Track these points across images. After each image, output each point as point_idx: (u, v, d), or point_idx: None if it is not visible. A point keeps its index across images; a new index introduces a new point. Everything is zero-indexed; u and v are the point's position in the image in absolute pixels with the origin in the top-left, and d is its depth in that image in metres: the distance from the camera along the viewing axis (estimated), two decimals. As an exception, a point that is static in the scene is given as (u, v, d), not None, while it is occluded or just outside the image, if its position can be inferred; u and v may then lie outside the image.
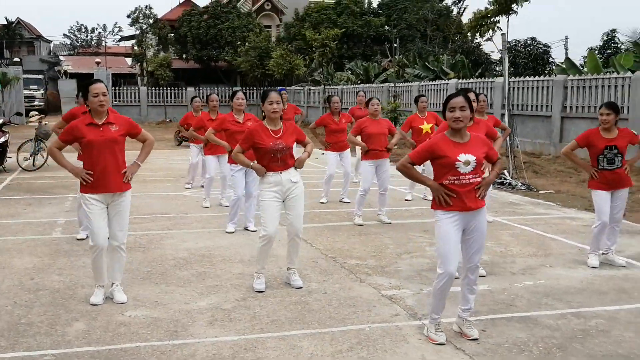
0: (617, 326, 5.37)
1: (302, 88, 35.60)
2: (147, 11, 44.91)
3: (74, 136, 5.64)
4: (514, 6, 18.75)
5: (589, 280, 6.72)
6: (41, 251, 7.59)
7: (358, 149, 12.32)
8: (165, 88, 38.78)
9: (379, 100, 9.72)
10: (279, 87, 14.27)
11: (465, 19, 58.38)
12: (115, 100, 35.90)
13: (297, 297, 6.00)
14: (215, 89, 38.48)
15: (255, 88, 38.72)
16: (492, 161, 5.17)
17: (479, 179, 4.92)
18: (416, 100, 11.39)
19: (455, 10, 48.04)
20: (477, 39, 37.54)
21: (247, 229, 8.77)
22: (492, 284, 6.41)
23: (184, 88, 39.43)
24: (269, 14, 52.15)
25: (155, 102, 38.37)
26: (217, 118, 9.67)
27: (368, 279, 6.63)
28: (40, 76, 46.93)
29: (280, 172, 6.16)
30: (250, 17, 45.59)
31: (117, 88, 37.61)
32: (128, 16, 45.29)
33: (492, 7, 19.42)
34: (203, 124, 10.47)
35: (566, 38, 34.94)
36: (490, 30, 19.96)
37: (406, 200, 11.35)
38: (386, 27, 46.95)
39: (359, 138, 9.39)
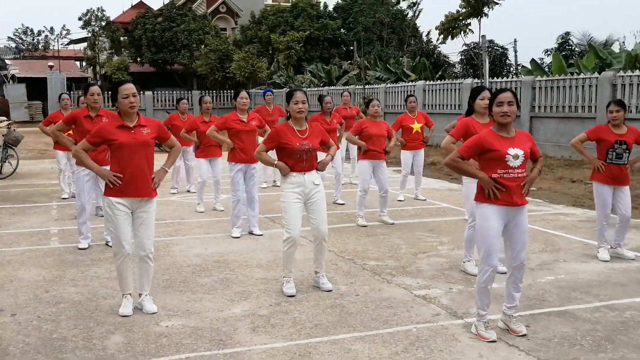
0: (653, 317, 5.42)
1: (261, 90, 35.32)
2: (99, 13, 44.06)
3: (104, 138, 5.41)
4: (485, 9, 18.95)
5: (605, 273, 6.79)
6: (46, 262, 7.27)
7: (354, 152, 12.28)
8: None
9: (378, 101, 9.67)
10: (265, 89, 14.07)
11: (420, 22, 59.25)
12: (71, 106, 34.86)
13: (330, 300, 5.88)
14: (173, 92, 37.85)
15: (215, 91, 38.27)
16: (535, 158, 5.16)
17: (525, 174, 4.92)
18: (406, 100, 11.42)
19: (410, 14, 48.44)
20: (437, 41, 38.07)
21: (252, 234, 8.58)
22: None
23: (140, 92, 38.78)
24: (224, 16, 51.73)
25: (113, 106, 37.37)
26: (218, 118, 9.43)
27: (394, 279, 6.55)
28: None
29: (304, 174, 6.04)
30: (206, 19, 45.10)
31: (71, 92, 36.58)
32: (79, 18, 44.39)
33: (463, 10, 19.58)
34: (196, 126, 10.25)
35: (515, 41, 35.60)
36: (462, 32, 20.11)
37: (398, 200, 11.31)
38: (342, 30, 47.10)
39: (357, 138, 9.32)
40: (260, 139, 8.95)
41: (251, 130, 8.54)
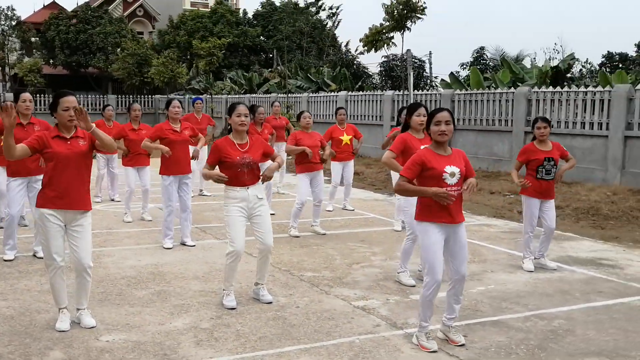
0: (578, 325, 5.73)
1: (183, 97, 34.89)
2: (9, 12, 42.43)
3: (42, 146, 5.21)
4: (408, 23, 19.43)
5: (532, 283, 7.09)
6: (-31, 275, 6.95)
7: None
8: (34, 95, 36.69)
9: (309, 113, 9.77)
10: (194, 97, 13.92)
11: (339, 32, 59.89)
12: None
13: (272, 312, 5.90)
14: (88, 96, 36.87)
15: (132, 96, 37.51)
16: (470, 177, 5.31)
17: (460, 191, 5.10)
18: (336, 112, 11.55)
19: (329, 24, 49.00)
20: (357, 51, 38.57)
21: (184, 244, 8.49)
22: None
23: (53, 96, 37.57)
24: (141, 20, 50.87)
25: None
26: (149, 127, 9.28)
27: (332, 290, 6.63)
28: None
29: (247, 188, 6.04)
30: (123, 23, 44.20)
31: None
32: (-13, 16, 42.57)
33: (387, 24, 20.01)
34: (124, 133, 10.04)
35: (430, 53, 36.66)
36: (386, 45, 20.55)
37: (327, 210, 11.42)
38: (262, 38, 47.15)
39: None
40: (192, 148, 8.92)
41: (184, 140, 8.46)
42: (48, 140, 5.23)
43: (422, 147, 6.79)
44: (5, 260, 7.51)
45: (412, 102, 15.40)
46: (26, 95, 7.58)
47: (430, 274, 5.08)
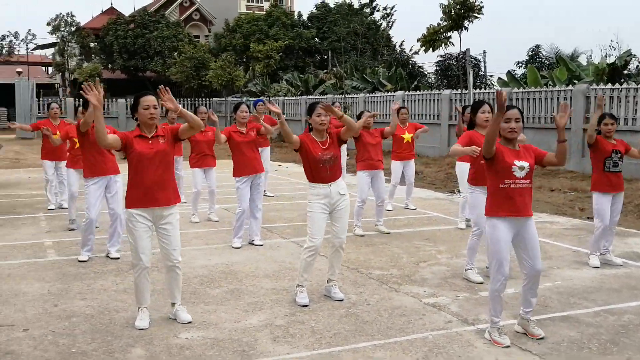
0: (649, 320, 5.67)
1: (240, 99, 35.38)
2: (69, 19, 43.58)
3: (126, 142, 5.41)
4: (466, 23, 19.31)
5: (598, 279, 7.04)
6: (47, 275, 7.18)
7: None
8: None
9: (368, 111, 9.80)
10: (255, 99, 14.11)
11: (394, 32, 59.84)
12: (39, 113, 34.15)
13: (344, 309, 5.98)
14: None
15: (190, 99, 38.16)
16: (542, 156, 5.36)
17: (530, 185, 5.22)
18: (397, 112, 11.52)
19: (384, 24, 48.91)
20: (411, 51, 38.53)
21: (252, 243, 8.64)
22: (518, 288, 6.50)
23: (112, 99, 38.26)
24: (197, 24, 51.70)
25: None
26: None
27: (401, 288, 6.68)
28: None
29: (330, 185, 6.17)
30: (179, 27, 44.95)
31: (39, 99, 36.02)
32: (48, 23, 43.83)
33: (444, 23, 19.94)
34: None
35: (484, 52, 36.26)
36: (443, 44, 20.47)
37: (387, 210, 11.42)
38: (317, 40, 47.38)
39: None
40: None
41: (251, 141, 8.61)
42: (131, 139, 5.42)
43: None
44: (80, 261, 7.76)
45: (471, 100, 15.31)
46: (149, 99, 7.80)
47: (497, 269, 5.16)
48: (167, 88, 5.38)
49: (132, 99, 5.61)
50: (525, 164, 5.14)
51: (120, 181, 7.95)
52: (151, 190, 5.41)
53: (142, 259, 5.47)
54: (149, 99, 5.44)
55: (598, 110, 7.58)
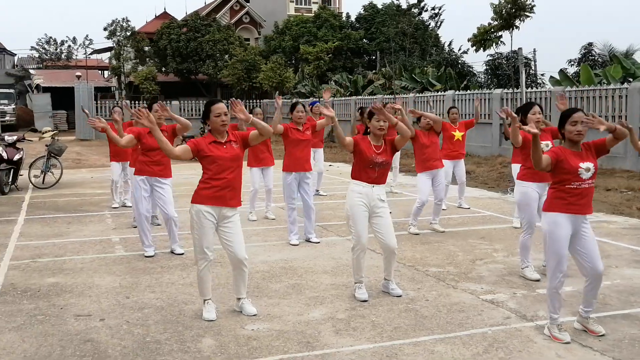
0: None
1: (289, 100, 35.72)
2: (124, 24, 44.64)
3: (199, 149, 5.68)
4: (517, 22, 19.21)
5: (660, 279, 6.97)
6: (117, 270, 7.56)
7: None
8: (149, 102, 38.42)
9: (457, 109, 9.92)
10: (312, 101, 14.32)
11: (442, 32, 59.49)
12: (97, 114, 35.17)
13: (403, 305, 6.12)
14: (198, 102, 38.29)
15: (242, 101, 38.62)
16: (604, 144, 5.40)
17: (594, 185, 5.28)
18: (448, 112, 11.61)
19: (432, 24, 48.75)
20: (460, 51, 38.35)
21: (309, 241, 8.85)
22: (576, 285, 6.56)
23: (167, 102, 39.21)
24: (247, 27, 52.29)
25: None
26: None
27: (459, 285, 6.79)
28: (11, 90, 45.34)
29: (373, 186, 6.29)
30: (230, 30, 45.58)
31: (97, 102, 37.03)
32: (105, 29, 44.96)
33: (495, 23, 19.87)
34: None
35: (534, 51, 35.87)
36: (494, 44, 20.40)
37: (442, 209, 11.49)
38: (365, 41, 47.49)
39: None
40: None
41: (307, 140, 8.82)
42: (205, 146, 5.68)
43: (541, 143, 6.90)
44: (147, 257, 8.12)
45: (524, 100, 15.24)
46: (157, 105, 8.15)
47: (556, 266, 5.23)
48: (238, 100, 5.66)
49: (204, 106, 5.89)
50: (591, 165, 5.21)
51: (169, 185, 8.31)
52: (223, 191, 5.67)
53: (207, 253, 5.74)
54: (220, 107, 5.70)
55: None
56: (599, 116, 7.57)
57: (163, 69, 44.88)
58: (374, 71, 38.51)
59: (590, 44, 34.55)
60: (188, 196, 10.99)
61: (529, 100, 16.81)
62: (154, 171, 8.19)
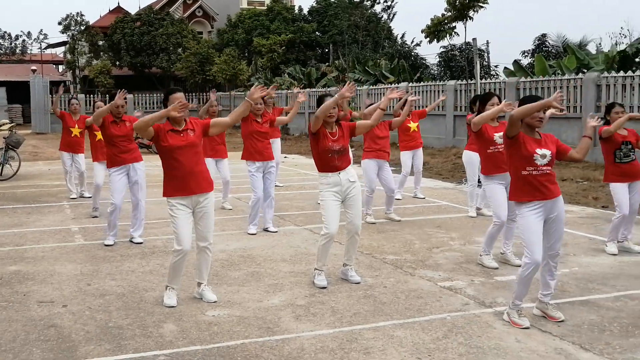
0: (671, 306, 5.76)
1: (242, 93, 35.63)
2: (79, 18, 44.03)
3: (157, 135, 5.65)
4: (471, 13, 19.43)
5: (617, 266, 7.12)
6: (78, 258, 7.53)
7: None
8: (103, 95, 37.90)
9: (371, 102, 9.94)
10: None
11: (395, 24, 59.82)
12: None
13: (362, 291, 6.16)
14: (153, 95, 37.89)
15: (194, 93, 38.38)
16: (566, 151, 5.47)
17: (551, 171, 5.31)
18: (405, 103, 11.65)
19: (385, 17, 49.02)
20: (412, 43, 38.64)
21: (266, 230, 8.83)
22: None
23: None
24: (200, 20, 51.90)
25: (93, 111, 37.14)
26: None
27: (416, 272, 6.85)
28: None
29: (339, 173, 6.33)
30: (183, 23, 45.21)
31: (52, 96, 36.31)
32: (59, 23, 44.41)
33: (449, 14, 20.07)
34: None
35: (487, 42, 36.44)
36: (448, 35, 20.61)
37: (396, 199, 11.58)
38: (317, 33, 47.51)
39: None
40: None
41: (265, 132, 8.79)
42: (163, 133, 5.65)
43: (495, 134, 7.00)
44: (106, 245, 8.06)
45: (479, 91, 15.45)
46: (120, 102, 8.07)
47: (530, 254, 5.20)
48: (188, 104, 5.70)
49: (163, 94, 5.89)
50: (547, 152, 5.26)
51: (142, 169, 8.33)
52: (185, 180, 5.66)
53: (185, 245, 5.70)
54: (177, 96, 5.69)
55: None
56: (612, 105, 7.70)
57: (117, 62, 44.53)
58: (327, 64, 38.58)
59: (544, 35, 35.15)
60: (147, 187, 10.99)
61: (483, 91, 17.02)
62: (127, 159, 8.17)
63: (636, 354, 4.67)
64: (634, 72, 16.46)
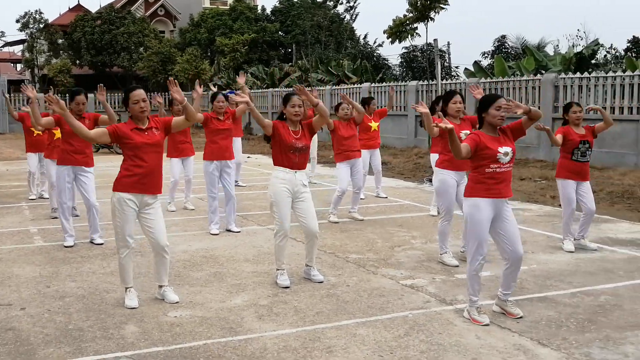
0: (625, 301, 5.91)
1: (206, 93, 35.30)
2: (37, 16, 43.33)
3: (118, 136, 5.60)
4: (432, 14, 19.62)
5: (574, 263, 7.28)
6: (37, 260, 7.40)
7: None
8: (63, 95, 37.33)
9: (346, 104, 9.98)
10: (228, 91, 14.22)
11: (357, 25, 60.01)
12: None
13: (324, 290, 6.18)
14: (114, 95, 37.37)
15: (157, 93, 37.99)
16: (520, 126, 5.56)
17: (512, 168, 5.44)
18: (367, 102, 11.69)
19: (347, 17, 49.23)
20: (375, 44, 38.85)
21: (229, 230, 8.80)
22: (494, 270, 6.75)
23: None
24: (162, 19, 51.50)
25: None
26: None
27: (378, 271, 6.90)
28: None
29: (295, 172, 6.33)
30: (145, 22, 44.80)
31: (11, 95, 35.64)
32: (17, 20, 43.69)
33: (410, 15, 20.22)
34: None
35: (448, 44, 36.85)
36: (410, 36, 20.77)
37: (360, 199, 11.64)
38: (280, 33, 47.50)
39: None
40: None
41: (228, 129, 8.77)
42: (126, 131, 5.59)
43: (461, 132, 7.09)
44: (66, 247, 7.95)
45: (440, 91, 15.62)
46: (80, 98, 7.98)
47: (476, 249, 5.34)
48: (175, 80, 5.62)
49: (123, 93, 5.83)
50: (509, 149, 5.34)
51: (92, 173, 8.22)
52: (144, 179, 5.61)
53: (129, 241, 5.67)
54: (138, 93, 5.63)
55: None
56: (569, 104, 7.87)
57: (77, 61, 43.90)
58: (290, 64, 38.59)
59: (503, 37, 35.76)
60: (106, 187, 10.73)
61: (444, 92, 17.24)
62: (77, 160, 8.04)
63: (591, 349, 4.78)
64: (590, 74, 16.84)
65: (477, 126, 5.57)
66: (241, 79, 8.25)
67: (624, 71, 16.50)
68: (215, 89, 9.47)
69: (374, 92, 23.68)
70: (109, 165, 15.55)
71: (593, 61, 21.34)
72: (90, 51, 42.27)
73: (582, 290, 6.23)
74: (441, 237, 7.25)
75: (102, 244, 8.07)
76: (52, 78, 39.57)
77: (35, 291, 6.18)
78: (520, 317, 5.40)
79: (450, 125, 5.18)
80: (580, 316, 5.49)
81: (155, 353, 4.67)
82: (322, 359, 4.57)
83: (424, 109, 6.20)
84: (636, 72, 15.38)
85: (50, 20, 46.33)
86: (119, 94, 37.86)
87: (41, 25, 44.01)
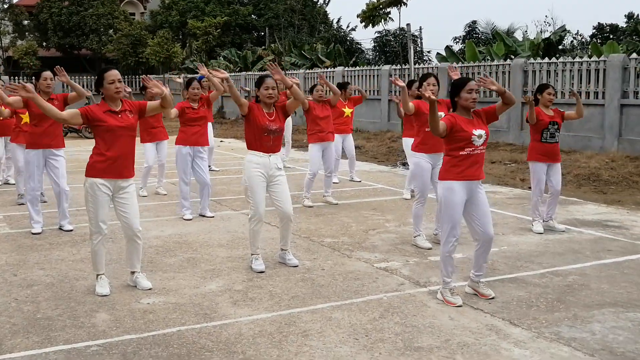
0: (592, 280, 6.03)
1: (178, 75, 35.00)
2: (1, -5, 42.43)
3: (91, 118, 5.48)
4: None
5: (543, 244, 7.39)
6: (3, 248, 7.22)
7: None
8: (29, 77, 36.70)
9: (322, 86, 9.97)
10: (199, 76, 14.02)
11: (330, 9, 59.59)
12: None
13: (299, 274, 6.17)
14: (82, 77, 36.86)
15: (127, 76, 37.54)
16: (493, 110, 5.64)
17: (485, 151, 5.48)
18: (344, 87, 11.64)
19: (320, 1, 48.92)
20: (348, 28, 38.68)
21: (202, 216, 8.74)
22: (466, 252, 6.82)
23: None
24: (132, 1, 50.67)
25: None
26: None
27: (353, 254, 6.91)
28: None
29: (270, 155, 6.30)
30: (115, 4, 44.05)
31: (-26, 79, 35.01)
32: (-21, 1, 42.53)
33: (383, -1, 20.23)
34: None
35: (420, 28, 36.99)
36: (383, 20, 20.74)
37: (333, 182, 11.63)
38: (253, 16, 47.09)
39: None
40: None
41: (202, 117, 8.68)
42: (99, 114, 5.47)
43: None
44: (34, 234, 7.78)
45: (412, 75, 15.64)
46: (47, 74, 7.81)
47: (450, 230, 5.40)
48: (149, 76, 5.50)
49: (97, 74, 5.68)
50: (483, 132, 5.38)
51: (63, 157, 7.99)
52: (117, 163, 5.51)
53: (102, 227, 5.57)
54: (114, 74, 5.51)
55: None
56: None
57: (44, 43, 43.00)
58: (263, 47, 38.33)
59: (474, 22, 35.95)
60: (76, 172, 10.64)
61: (417, 76, 17.27)
62: (47, 143, 7.77)
63: (560, 327, 4.86)
64: (557, 59, 17.03)
65: (451, 110, 5.58)
66: (203, 70, 8.13)
67: (589, 57, 16.70)
68: (180, 80, 9.34)
69: (347, 76, 23.62)
70: (78, 149, 15.48)
71: (560, 47, 21.57)
72: (58, 33, 41.46)
73: (551, 270, 6.34)
74: (415, 219, 7.29)
75: (71, 230, 7.91)
76: (17, 60, 38.84)
77: (1, 280, 6.03)
78: (492, 298, 5.47)
79: (433, 97, 5.22)
80: (549, 296, 5.58)
81: (127, 341, 4.61)
82: (298, 343, 4.56)
83: (401, 82, 6.29)
84: (602, 58, 15.56)
85: (14, 1, 45.34)
86: (89, 77, 37.39)
87: (5, 6, 43.04)
